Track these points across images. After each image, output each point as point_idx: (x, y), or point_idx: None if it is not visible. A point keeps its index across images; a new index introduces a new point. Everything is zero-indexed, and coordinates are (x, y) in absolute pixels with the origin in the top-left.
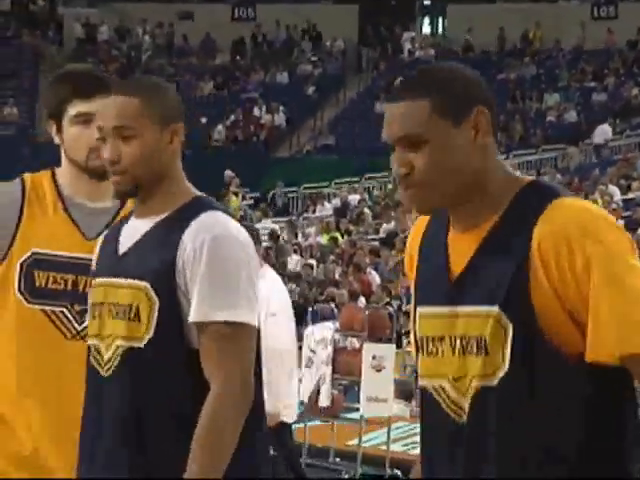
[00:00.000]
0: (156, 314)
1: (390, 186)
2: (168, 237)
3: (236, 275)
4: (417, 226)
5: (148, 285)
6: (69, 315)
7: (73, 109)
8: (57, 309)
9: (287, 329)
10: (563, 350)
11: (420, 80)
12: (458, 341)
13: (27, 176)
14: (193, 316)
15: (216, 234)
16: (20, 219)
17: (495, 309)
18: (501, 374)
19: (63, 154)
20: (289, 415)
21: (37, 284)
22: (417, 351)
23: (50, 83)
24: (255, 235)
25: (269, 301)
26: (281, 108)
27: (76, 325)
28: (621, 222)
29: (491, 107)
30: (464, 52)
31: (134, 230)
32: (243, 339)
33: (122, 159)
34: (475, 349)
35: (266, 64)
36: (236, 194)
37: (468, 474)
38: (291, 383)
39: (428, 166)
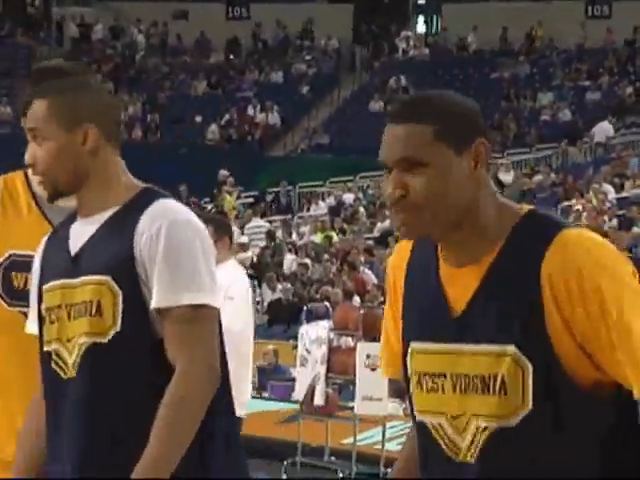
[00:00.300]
0: (120, 306)
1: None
2: (122, 229)
3: (194, 259)
4: (399, 253)
5: (109, 278)
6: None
7: None
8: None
9: (244, 314)
10: (581, 383)
11: (425, 104)
12: (461, 379)
13: (0, 177)
14: (156, 302)
15: (170, 220)
16: None
17: (511, 348)
18: (523, 414)
19: None
20: (242, 408)
21: (15, 286)
22: (408, 385)
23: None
24: (227, 227)
25: (228, 287)
26: (275, 107)
27: None
28: (615, 220)
29: (489, 139)
30: (458, 51)
31: (83, 230)
32: (207, 321)
33: (37, 162)
34: (480, 388)
35: (260, 63)
36: (230, 193)
37: None
38: (248, 377)
39: (425, 189)
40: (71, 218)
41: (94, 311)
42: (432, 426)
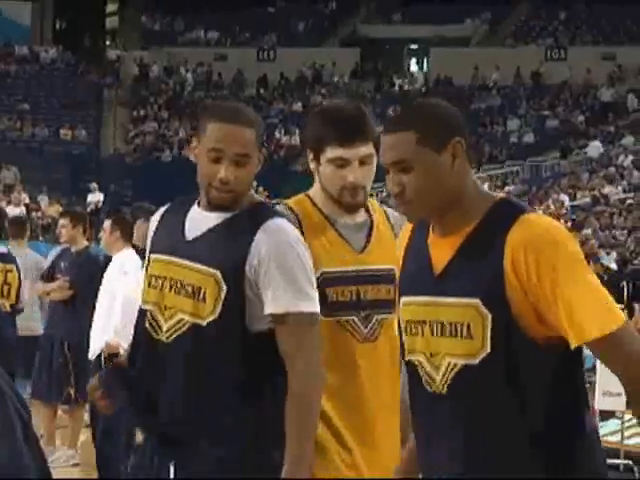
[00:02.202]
0: (222, 299)
1: (384, 194)
2: (240, 235)
3: (303, 275)
4: (404, 233)
5: (219, 273)
6: (357, 321)
7: (331, 152)
8: (348, 318)
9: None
10: (533, 336)
11: (407, 115)
12: (438, 325)
13: (289, 203)
14: (273, 308)
15: (285, 240)
16: None
17: (476, 301)
18: (483, 355)
19: (317, 180)
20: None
21: (329, 299)
22: (400, 332)
23: (315, 116)
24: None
25: (123, 264)
26: (297, 131)
27: (363, 329)
28: (569, 223)
29: (465, 136)
30: (443, 86)
31: (202, 220)
32: (315, 325)
33: (237, 179)
34: (452, 332)
35: (284, 96)
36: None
37: (446, 436)
38: None
39: (415, 187)
40: (186, 203)
41: (200, 296)
42: (417, 363)
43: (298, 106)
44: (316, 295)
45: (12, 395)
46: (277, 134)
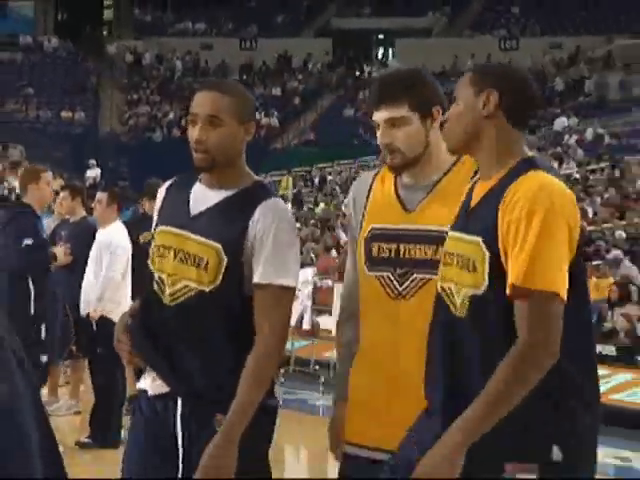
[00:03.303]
0: (223, 269)
1: (353, 170)
2: (240, 212)
3: (291, 252)
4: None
5: (220, 246)
6: (392, 278)
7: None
8: (384, 274)
9: (122, 262)
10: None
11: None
12: (458, 259)
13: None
14: (258, 278)
15: (281, 219)
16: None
17: (479, 239)
18: (484, 286)
19: None
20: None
21: (372, 254)
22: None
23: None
24: (119, 197)
25: (112, 239)
26: (275, 113)
27: (398, 286)
28: None
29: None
30: None
31: (204, 197)
32: (289, 300)
33: (209, 140)
34: (465, 266)
35: (265, 81)
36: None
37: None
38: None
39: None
40: (190, 180)
41: (203, 266)
42: (443, 289)
43: (277, 91)
44: (297, 271)
45: (8, 338)
46: (257, 116)
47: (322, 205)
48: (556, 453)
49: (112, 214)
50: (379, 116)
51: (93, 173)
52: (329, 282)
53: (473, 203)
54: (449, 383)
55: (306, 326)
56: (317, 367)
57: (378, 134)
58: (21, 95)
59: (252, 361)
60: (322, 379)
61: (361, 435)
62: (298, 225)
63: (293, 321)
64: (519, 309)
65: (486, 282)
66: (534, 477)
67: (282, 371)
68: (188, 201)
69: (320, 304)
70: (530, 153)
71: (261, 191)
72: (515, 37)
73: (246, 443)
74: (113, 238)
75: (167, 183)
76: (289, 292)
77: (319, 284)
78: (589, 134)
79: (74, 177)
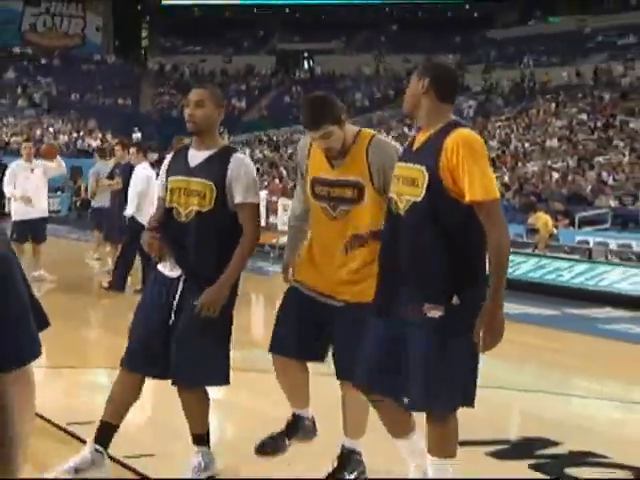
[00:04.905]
0: (214, 197)
1: (289, 133)
2: (221, 163)
3: (254, 183)
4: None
5: (212, 184)
6: (328, 208)
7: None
8: (323, 205)
9: (144, 185)
10: (451, 195)
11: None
12: (404, 179)
13: (313, 142)
14: (237, 199)
15: (245, 164)
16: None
17: (423, 167)
18: (422, 195)
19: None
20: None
21: (315, 193)
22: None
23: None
24: (145, 149)
25: (144, 169)
26: (244, 99)
27: (332, 212)
28: None
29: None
30: (327, 79)
31: (196, 156)
32: (257, 210)
33: (194, 115)
34: (409, 183)
35: (237, 81)
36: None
37: (405, 246)
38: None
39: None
40: (184, 149)
41: (202, 196)
42: (394, 200)
43: (244, 87)
44: (258, 193)
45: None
46: (233, 100)
47: (269, 153)
48: (455, 299)
49: (142, 159)
50: (313, 134)
51: (136, 136)
52: (275, 198)
53: (416, 146)
54: (390, 256)
55: (262, 223)
56: (268, 248)
57: (315, 143)
58: (94, 91)
59: (240, 249)
60: (271, 254)
61: (310, 281)
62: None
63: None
64: (484, 213)
65: (423, 193)
66: (441, 313)
67: (272, 254)
68: (187, 159)
69: (270, 212)
70: (454, 117)
71: (231, 149)
72: (383, 57)
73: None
74: (141, 172)
75: (170, 155)
76: (256, 206)
77: (270, 200)
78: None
79: (126, 137)
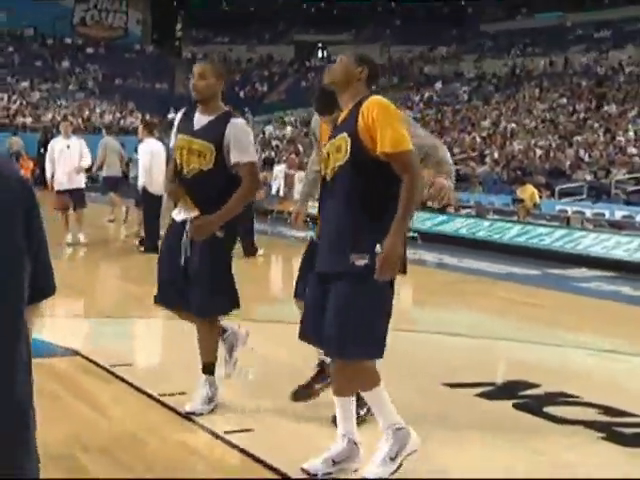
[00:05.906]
0: (214, 157)
1: (305, 115)
2: (220, 126)
3: (251, 144)
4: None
5: (212, 145)
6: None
7: None
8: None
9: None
10: (371, 153)
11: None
12: (331, 152)
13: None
14: (234, 159)
15: (242, 128)
16: None
17: (346, 135)
18: (346, 158)
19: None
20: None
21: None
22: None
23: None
24: (152, 126)
25: (150, 144)
26: (265, 83)
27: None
28: None
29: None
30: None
31: (200, 119)
32: (255, 166)
33: (198, 85)
34: (336, 151)
35: (260, 68)
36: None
37: (332, 209)
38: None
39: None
40: (193, 110)
41: (203, 156)
42: (322, 172)
43: (266, 72)
44: (255, 153)
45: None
46: (258, 85)
47: (290, 129)
48: (378, 248)
49: (147, 135)
50: (323, 119)
51: (171, 116)
52: (293, 171)
53: (339, 122)
54: (326, 216)
55: (281, 194)
56: (287, 215)
57: (325, 123)
58: (134, 77)
59: (237, 193)
60: (289, 221)
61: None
62: (277, 142)
63: (274, 191)
64: (397, 164)
65: (347, 157)
66: (366, 262)
67: (268, 217)
68: (192, 121)
69: (288, 184)
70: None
71: (229, 114)
72: (388, 46)
73: (227, 228)
74: (144, 147)
75: (181, 111)
76: (253, 164)
77: (288, 173)
78: None
79: (161, 119)
